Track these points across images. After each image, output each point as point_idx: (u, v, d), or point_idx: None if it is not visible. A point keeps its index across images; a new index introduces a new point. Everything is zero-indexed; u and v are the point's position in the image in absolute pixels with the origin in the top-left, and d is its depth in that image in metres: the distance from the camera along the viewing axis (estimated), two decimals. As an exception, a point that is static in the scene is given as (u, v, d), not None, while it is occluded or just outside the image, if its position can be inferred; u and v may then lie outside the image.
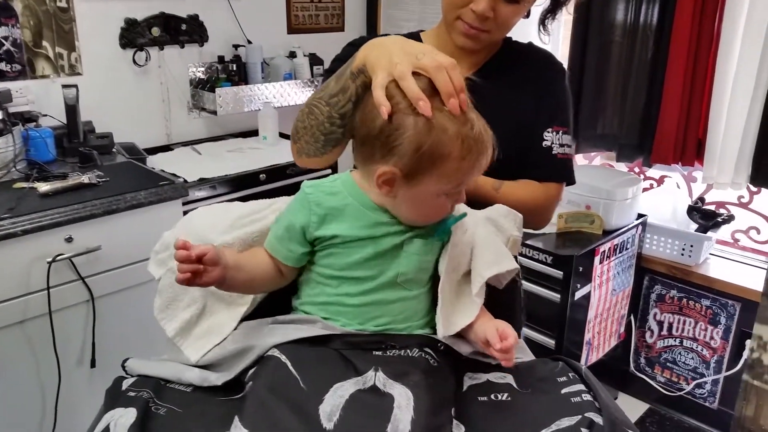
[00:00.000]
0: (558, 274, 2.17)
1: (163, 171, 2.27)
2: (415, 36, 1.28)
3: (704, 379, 2.48)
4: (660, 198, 2.54)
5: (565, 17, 2.50)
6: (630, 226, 2.36)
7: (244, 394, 0.88)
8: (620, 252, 2.34)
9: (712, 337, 2.42)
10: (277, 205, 1.06)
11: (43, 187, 1.89)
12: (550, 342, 2.26)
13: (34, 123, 2.23)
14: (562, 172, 1.23)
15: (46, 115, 2.30)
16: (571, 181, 1.26)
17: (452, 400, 0.90)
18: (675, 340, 2.53)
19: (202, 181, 2.26)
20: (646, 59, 2.31)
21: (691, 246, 2.37)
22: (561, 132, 1.21)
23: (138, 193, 1.96)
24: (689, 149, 2.30)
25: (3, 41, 2.40)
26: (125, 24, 2.47)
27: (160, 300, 1.02)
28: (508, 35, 1.24)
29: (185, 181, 2.22)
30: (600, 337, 2.41)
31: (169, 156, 2.56)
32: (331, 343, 0.92)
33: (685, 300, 2.47)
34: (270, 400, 0.82)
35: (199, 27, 2.64)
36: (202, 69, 2.69)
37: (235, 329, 1.01)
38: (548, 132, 1.20)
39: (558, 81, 1.24)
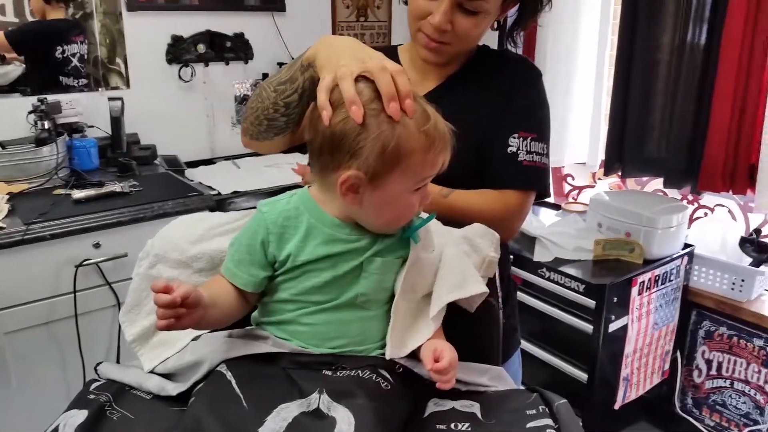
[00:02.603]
0: (590, 303, 2.06)
1: (200, 183, 2.32)
2: (392, 50, 1.26)
3: (758, 427, 2.28)
4: (710, 228, 2.38)
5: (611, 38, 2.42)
6: (675, 257, 2.22)
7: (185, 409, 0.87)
8: (663, 283, 2.20)
9: (766, 381, 2.23)
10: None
11: (77, 194, 1.97)
12: (582, 375, 2.14)
13: (81, 133, 2.33)
14: (525, 180, 1.14)
15: (92, 126, 2.40)
16: (542, 191, 1.18)
17: (401, 426, 0.85)
18: (725, 381, 2.35)
19: (235, 194, 2.29)
20: (693, 79, 2.18)
21: (743, 280, 2.20)
22: (530, 138, 1.14)
23: (166, 203, 2.01)
24: (740, 176, 2.14)
25: (71, 58, 2.55)
26: (172, 40, 2.56)
27: (126, 303, 1.03)
28: (483, 44, 1.20)
29: (219, 193, 2.26)
30: (640, 374, 2.27)
31: (210, 169, 2.61)
32: (280, 361, 0.89)
33: (735, 338, 2.29)
34: (207, 420, 0.80)
35: (244, 44, 2.70)
36: (247, 86, 2.75)
37: (195, 339, 0.99)
38: (514, 137, 1.13)
39: (529, 84, 1.18)
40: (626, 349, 2.16)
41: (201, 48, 2.61)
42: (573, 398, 2.17)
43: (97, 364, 1.02)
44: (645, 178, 2.73)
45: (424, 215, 0.95)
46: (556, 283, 2.16)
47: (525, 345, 2.31)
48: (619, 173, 2.54)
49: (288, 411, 0.81)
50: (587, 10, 2.52)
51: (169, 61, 2.58)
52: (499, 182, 1.14)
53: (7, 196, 1.95)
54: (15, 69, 2.49)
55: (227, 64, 2.69)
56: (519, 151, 1.13)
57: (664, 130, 2.34)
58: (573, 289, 2.11)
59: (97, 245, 1.89)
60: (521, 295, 2.29)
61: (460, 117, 1.16)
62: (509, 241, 1.21)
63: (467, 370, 0.99)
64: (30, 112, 2.20)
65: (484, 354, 1.05)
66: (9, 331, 1.80)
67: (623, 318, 2.10)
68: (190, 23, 2.59)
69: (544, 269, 2.21)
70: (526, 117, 1.16)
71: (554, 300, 2.19)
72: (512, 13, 1.19)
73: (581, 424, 0.89)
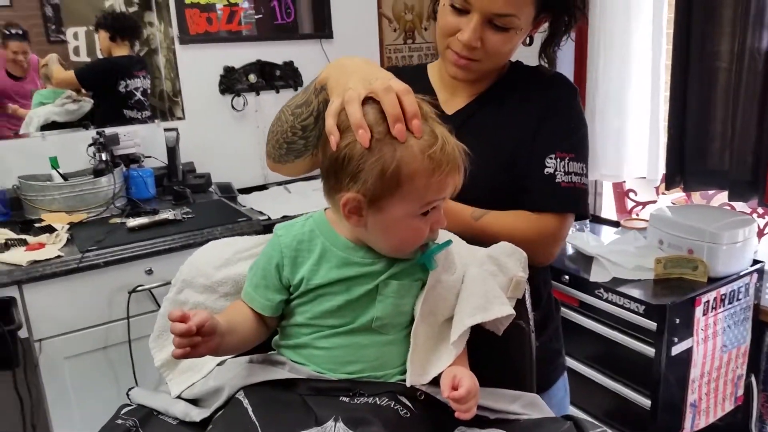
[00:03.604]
0: (651, 325, 1.95)
1: (251, 209, 2.36)
2: (421, 69, 1.23)
3: None
4: (782, 243, 2.23)
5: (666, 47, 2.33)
6: (742, 274, 2.08)
7: None
8: (730, 303, 2.07)
9: None
10: None
11: (131, 222, 2.04)
12: (645, 401, 2.02)
13: (138, 164, 2.42)
14: (564, 202, 1.09)
15: (150, 157, 2.49)
16: (580, 213, 1.12)
17: (419, 455, 0.82)
18: (807, 409, 2.18)
19: (284, 218, 2.32)
20: (756, 86, 2.05)
21: (821, 299, 2.04)
22: (567, 159, 1.09)
23: (215, 229, 2.05)
24: (812, 186, 2.00)
25: (134, 92, 2.67)
26: (224, 71, 2.63)
27: (155, 328, 1.04)
28: (516, 60, 1.16)
29: (269, 218, 2.29)
30: (709, 400, 2.13)
31: (263, 195, 2.66)
32: (298, 387, 0.88)
33: (816, 362, 2.12)
34: None
35: (294, 72, 2.75)
36: (298, 112, 2.79)
37: (220, 364, 0.99)
38: (551, 158, 1.09)
39: (565, 102, 1.13)
40: (692, 373, 2.03)
41: (252, 78, 2.68)
42: (636, 426, 2.07)
43: (129, 389, 1.04)
44: (711, 192, 2.59)
45: (442, 239, 0.92)
46: (615, 304, 2.07)
47: (583, 370, 2.21)
48: (682, 186, 2.42)
49: None
50: (638, 19, 2.43)
51: (222, 92, 2.66)
52: (536, 205, 1.09)
53: (68, 226, 2.04)
54: (85, 105, 2.62)
55: (277, 92, 2.75)
56: (556, 172, 1.09)
57: (727, 141, 2.22)
58: (632, 311, 2.01)
59: (149, 271, 1.95)
60: (578, 318, 2.20)
61: (490, 135, 1.13)
62: (546, 264, 1.15)
63: (496, 397, 0.94)
64: (90, 145, 2.30)
65: (516, 379, 1.00)
66: (68, 356, 1.87)
67: (687, 340, 1.98)
68: (241, 54, 2.67)
69: (602, 290, 2.12)
70: (563, 136, 1.11)
71: (613, 322, 2.09)
72: (544, 28, 1.15)
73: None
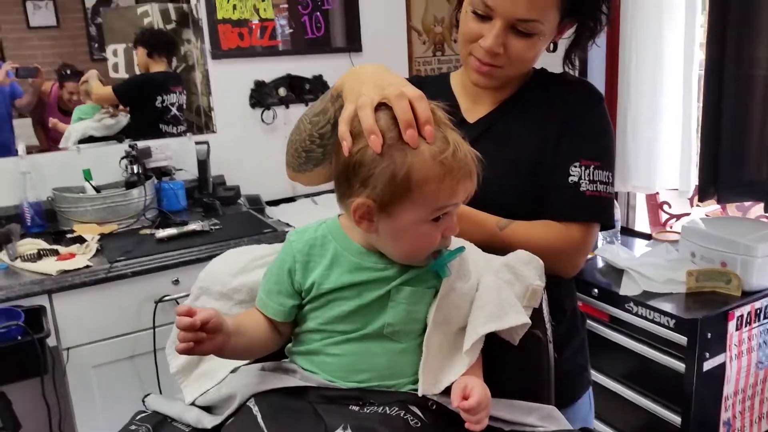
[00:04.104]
0: (681, 340, 1.90)
1: (278, 221, 2.38)
2: (444, 77, 1.23)
3: None
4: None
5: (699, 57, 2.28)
6: (778, 288, 2.01)
7: None
8: (766, 317, 2.00)
9: None
10: None
11: (160, 233, 2.07)
12: (675, 419, 1.96)
13: (170, 176, 2.47)
14: (590, 212, 1.07)
15: (181, 170, 2.54)
16: (606, 223, 1.10)
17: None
18: None
19: (310, 230, 2.33)
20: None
21: None
22: (592, 167, 1.07)
23: (241, 240, 2.07)
24: None
25: (170, 107, 2.73)
26: (254, 85, 2.67)
27: (171, 335, 1.05)
28: (541, 67, 1.15)
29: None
30: (744, 419, 2.06)
31: (290, 207, 2.68)
32: (308, 395, 0.88)
33: None
34: None
35: (323, 86, 2.78)
36: (326, 125, 2.81)
37: (234, 371, 0.99)
38: (575, 166, 1.07)
39: (589, 108, 1.11)
40: (726, 390, 1.96)
41: (282, 91, 2.71)
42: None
43: (145, 396, 1.05)
44: (747, 205, 2.52)
45: (456, 246, 0.91)
46: (645, 318, 2.01)
47: (612, 385, 2.16)
48: (715, 198, 2.36)
49: None
50: (671, 26, 2.39)
51: (253, 105, 2.70)
52: (560, 214, 1.08)
53: (98, 237, 2.08)
54: (122, 120, 2.70)
55: (306, 105, 2.77)
56: (581, 181, 1.07)
57: (764, 151, 2.16)
58: (663, 325, 1.96)
59: (176, 282, 1.97)
60: (607, 332, 2.15)
61: (513, 142, 1.12)
62: (572, 276, 1.13)
63: (512, 409, 0.93)
64: (122, 158, 2.35)
65: (533, 391, 0.98)
66: (96, 364, 1.90)
67: (720, 355, 1.92)
68: (271, 68, 2.71)
69: (632, 303, 2.07)
70: (587, 144, 1.09)
71: (643, 336, 2.04)
72: (569, 34, 1.13)
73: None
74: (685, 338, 1.89)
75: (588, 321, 2.15)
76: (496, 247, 1.03)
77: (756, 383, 2.05)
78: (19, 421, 1.65)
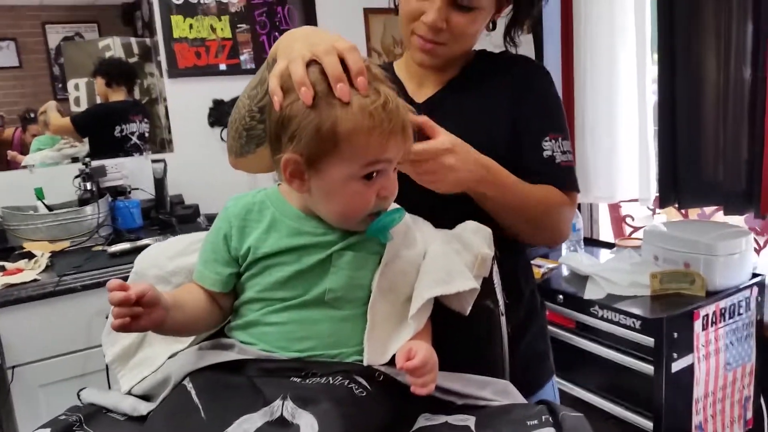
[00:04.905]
0: (648, 341, 1.87)
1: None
2: (387, 66, 1.22)
3: None
4: (782, 255, 2.16)
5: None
6: (742, 287, 2.01)
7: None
8: (731, 317, 1.99)
9: None
10: None
11: (112, 248, 2.00)
12: (647, 424, 1.92)
13: (125, 195, 2.40)
14: (568, 180, 1.10)
15: (137, 189, 2.48)
16: (577, 190, 1.13)
17: (373, 436, 0.76)
18: (821, 431, 2.06)
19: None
20: (743, 93, 2.03)
21: (827, 311, 1.96)
22: (560, 138, 1.09)
23: (197, 253, 2.00)
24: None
25: (130, 136, 2.68)
26: (213, 104, 2.64)
27: (107, 324, 0.99)
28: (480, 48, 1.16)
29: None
30: (716, 422, 2.02)
31: (252, 226, 2.62)
32: (247, 369, 0.82)
33: (827, 379, 2.02)
34: (163, 430, 0.75)
35: (282, 104, 2.76)
36: (288, 143, 2.79)
37: (172, 357, 0.94)
38: (546, 141, 1.08)
39: (538, 80, 1.12)
40: (695, 392, 1.93)
41: (241, 109, 2.68)
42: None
43: (80, 390, 0.99)
44: (708, 212, 2.54)
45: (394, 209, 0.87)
46: (611, 321, 1.99)
47: (582, 394, 2.12)
48: (677, 205, 2.37)
49: (251, 422, 0.75)
50: (624, 36, 2.43)
51: (212, 124, 2.66)
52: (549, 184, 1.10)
53: (49, 254, 2.00)
54: (80, 149, 2.63)
55: (267, 123, 2.75)
56: (555, 153, 1.09)
57: (720, 150, 2.18)
58: (629, 327, 1.93)
59: (129, 297, 1.89)
60: (575, 339, 2.12)
61: (465, 119, 1.11)
62: (559, 244, 1.16)
63: (465, 382, 0.89)
64: (76, 177, 2.29)
65: (487, 365, 0.95)
66: (43, 383, 1.81)
67: (688, 356, 1.90)
68: (231, 87, 2.67)
69: (597, 307, 2.04)
70: (551, 118, 1.12)
71: (611, 341, 2.01)
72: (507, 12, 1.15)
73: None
74: (652, 339, 1.87)
75: (555, 329, 2.14)
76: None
77: (725, 385, 2.02)
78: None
